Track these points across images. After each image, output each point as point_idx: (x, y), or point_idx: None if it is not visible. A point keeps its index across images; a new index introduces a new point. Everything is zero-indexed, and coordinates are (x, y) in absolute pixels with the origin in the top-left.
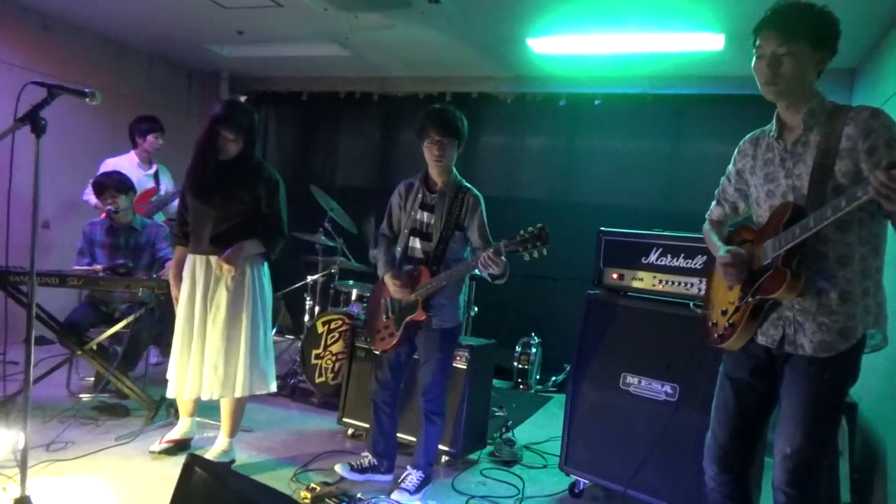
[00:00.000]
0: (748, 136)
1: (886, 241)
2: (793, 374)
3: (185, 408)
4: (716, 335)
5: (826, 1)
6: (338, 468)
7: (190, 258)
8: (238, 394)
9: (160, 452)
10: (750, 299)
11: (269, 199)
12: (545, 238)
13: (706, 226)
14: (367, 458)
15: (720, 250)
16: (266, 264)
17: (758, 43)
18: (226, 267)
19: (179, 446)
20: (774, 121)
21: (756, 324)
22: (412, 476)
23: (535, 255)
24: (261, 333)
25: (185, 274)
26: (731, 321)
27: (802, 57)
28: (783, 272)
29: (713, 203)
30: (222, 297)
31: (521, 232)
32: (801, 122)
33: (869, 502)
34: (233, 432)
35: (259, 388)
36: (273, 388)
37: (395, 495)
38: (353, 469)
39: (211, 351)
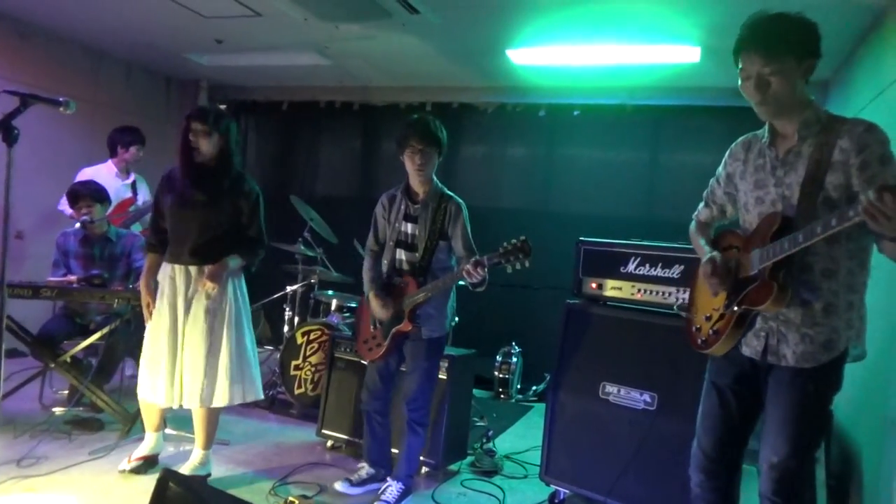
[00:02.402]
0: (741, 139)
1: (872, 256)
2: (777, 384)
3: (151, 422)
4: (699, 340)
5: (800, 12)
6: (338, 486)
7: (167, 267)
8: (219, 403)
9: (130, 471)
10: (735, 308)
11: (251, 212)
12: (528, 250)
13: (692, 226)
14: (363, 468)
15: (705, 256)
16: (243, 275)
17: (741, 65)
18: (209, 284)
19: (149, 463)
20: (767, 128)
21: (741, 332)
22: (392, 488)
23: (518, 266)
24: (247, 341)
25: (164, 282)
26: (715, 328)
27: (789, 72)
28: (770, 285)
29: (701, 204)
30: (202, 307)
31: (504, 244)
32: (794, 132)
33: None
34: (208, 444)
35: (247, 397)
36: (261, 394)
37: None
38: (352, 484)
39: (192, 360)
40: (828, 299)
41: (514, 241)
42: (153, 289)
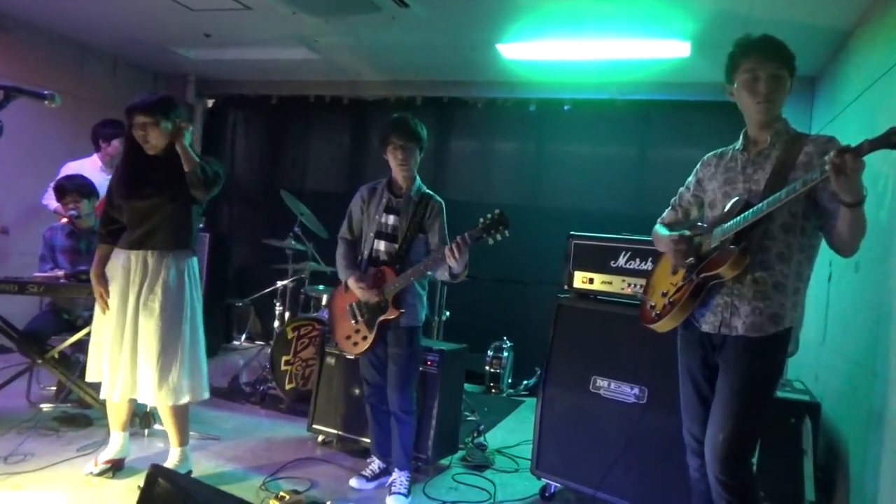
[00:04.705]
0: (713, 151)
1: (817, 257)
2: (726, 363)
3: (116, 420)
4: (653, 314)
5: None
6: (353, 483)
7: (122, 254)
8: (180, 400)
9: (98, 474)
10: (694, 277)
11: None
12: (505, 222)
13: (657, 227)
14: (374, 462)
15: (672, 235)
16: (195, 262)
17: (749, 66)
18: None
19: (115, 467)
20: (742, 137)
21: (694, 303)
22: (401, 478)
23: (499, 237)
24: (199, 337)
25: (117, 271)
26: (671, 300)
27: (786, 82)
28: (731, 250)
29: (667, 209)
30: (157, 297)
31: (482, 220)
32: (767, 138)
33: (833, 500)
34: (182, 441)
35: (199, 395)
36: (206, 395)
37: (391, 501)
38: (367, 479)
39: (147, 354)
40: (778, 279)
41: (489, 215)
42: (105, 279)
